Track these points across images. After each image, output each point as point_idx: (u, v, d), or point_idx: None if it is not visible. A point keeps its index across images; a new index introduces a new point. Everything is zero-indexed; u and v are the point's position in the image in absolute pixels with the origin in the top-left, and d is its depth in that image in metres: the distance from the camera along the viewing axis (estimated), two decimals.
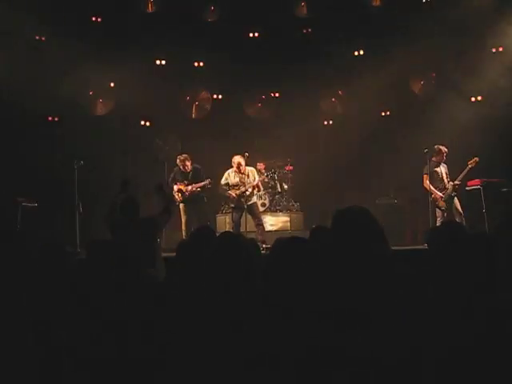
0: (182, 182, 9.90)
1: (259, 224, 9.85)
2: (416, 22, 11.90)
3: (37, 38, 11.30)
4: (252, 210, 9.87)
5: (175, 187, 9.90)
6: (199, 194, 9.93)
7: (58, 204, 11.51)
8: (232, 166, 9.86)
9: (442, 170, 9.77)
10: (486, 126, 11.34)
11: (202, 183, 9.80)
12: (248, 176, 9.80)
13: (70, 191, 10.57)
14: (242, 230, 9.71)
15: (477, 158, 9.46)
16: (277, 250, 2.12)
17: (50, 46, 11.33)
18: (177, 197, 9.88)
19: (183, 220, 10.03)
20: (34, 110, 11.18)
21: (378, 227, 2.93)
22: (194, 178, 9.88)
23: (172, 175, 10.11)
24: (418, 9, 12.07)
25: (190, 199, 9.92)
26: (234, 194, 9.77)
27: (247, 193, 9.74)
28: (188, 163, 9.85)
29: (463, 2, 11.39)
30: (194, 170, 9.91)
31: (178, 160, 9.92)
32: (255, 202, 10.09)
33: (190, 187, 9.83)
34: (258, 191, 10.29)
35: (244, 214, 9.85)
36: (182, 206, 9.99)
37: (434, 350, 1.92)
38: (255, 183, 9.83)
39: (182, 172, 9.90)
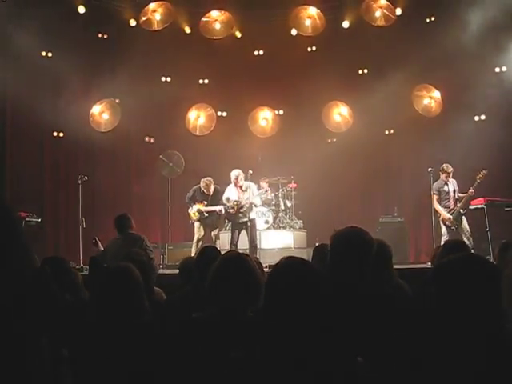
0: (201, 202, 9.96)
1: (252, 242, 9.80)
2: (420, 40, 12.00)
3: (43, 54, 11.36)
4: (248, 227, 9.86)
5: (194, 206, 9.96)
6: (215, 214, 9.99)
7: (61, 219, 11.55)
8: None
9: (450, 187, 9.76)
10: (490, 145, 11.36)
11: (214, 208, 9.87)
12: (245, 191, 9.81)
13: (73, 206, 10.61)
14: (244, 246, 9.69)
15: (485, 171, 9.44)
16: (281, 272, 2.11)
17: (56, 62, 11.41)
18: (193, 215, 9.99)
19: (196, 237, 10.06)
20: (39, 125, 11.26)
21: (371, 249, 2.95)
22: (214, 200, 9.97)
23: (191, 194, 10.14)
24: (421, 28, 12.16)
25: (206, 219, 10.00)
26: (232, 210, 9.79)
27: (244, 208, 9.75)
28: (211, 188, 9.93)
29: (466, 22, 11.46)
30: (214, 192, 10.02)
31: (202, 182, 9.97)
32: (253, 219, 9.99)
33: (207, 209, 9.92)
34: (255, 206, 10.20)
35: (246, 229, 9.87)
36: (197, 224, 10.07)
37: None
38: (250, 200, 9.80)
39: (203, 193, 9.96)
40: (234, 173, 9.80)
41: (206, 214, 9.95)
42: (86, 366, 2.87)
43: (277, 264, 2.16)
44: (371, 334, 2.42)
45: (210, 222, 10.06)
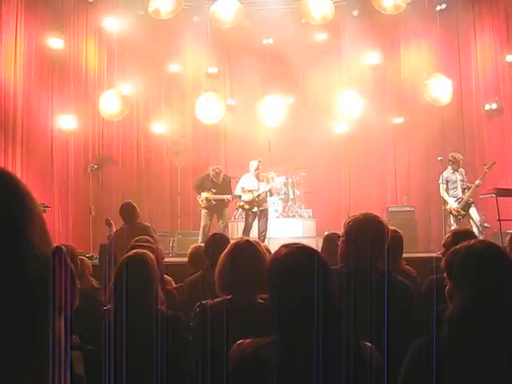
0: (209, 190, 9.99)
1: (262, 232, 9.86)
2: (431, 28, 11.92)
3: (52, 43, 11.32)
4: (261, 216, 9.91)
5: (203, 194, 9.99)
6: (224, 203, 10.03)
7: (70, 208, 11.59)
8: (249, 171, 9.97)
9: (458, 177, 9.70)
10: (501, 134, 11.29)
11: (222, 197, 9.90)
12: (262, 181, 9.90)
13: (83, 195, 10.65)
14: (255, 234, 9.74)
15: (494, 161, 9.38)
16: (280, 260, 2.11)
17: (65, 51, 11.41)
18: (201, 203, 10.03)
19: (202, 225, 10.10)
20: (49, 114, 11.27)
21: (386, 236, 2.95)
22: (222, 188, 9.99)
23: (200, 181, 10.17)
24: (432, 16, 12.05)
25: (214, 206, 10.02)
26: (246, 199, 9.86)
27: (260, 197, 9.82)
28: (221, 176, 9.96)
29: (476, 9, 11.37)
30: (223, 180, 10.04)
31: (211, 170, 10.01)
32: (266, 209, 10.11)
33: (215, 197, 9.95)
34: (271, 195, 10.31)
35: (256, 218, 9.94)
36: (204, 211, 10.10)
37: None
38: (267, 189, 9.90)
39: (213, 181, 9.98)
40: (254, 163, 9.90)
41: (213, 202, 9.99)
42: (98, 353, 2.89)
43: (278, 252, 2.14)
44: (381, 319, 2.42)
45: (218, 210, 10.09)
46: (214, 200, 9.97)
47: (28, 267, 0.70)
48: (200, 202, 10.11)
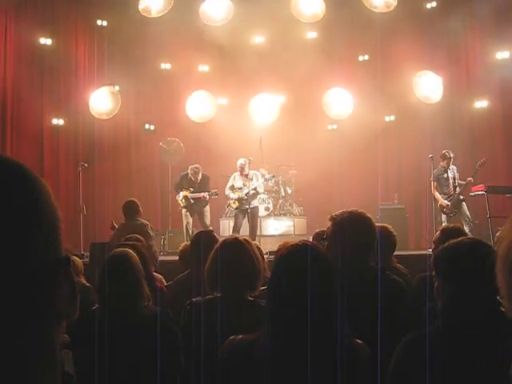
0: (187, 189, 9.99)
1: (253, 230, 9.87)
2: (421, 26, 11.95)
3: (42, 41, 11.29)
4: (251, 214, 9.92)
5: (181, 193, 10.00)
6: (203, 201, 10.03)
7: (61, 206, 11.54)
8: (237, 170, 9.97)
9: (450, 174, 9.73)
10: (491, 131, 11.33)
11: (199, 195, 9.90)
12: (251, 179, 9.89)
13: (74, 194, 10.62)
14: (247, 233, 9.73)
15: (485, 159, 9.42)
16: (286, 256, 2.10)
17: (55, 49, 11.36)
18: (180, 202, 10.04)
19: (184, 224, 10.13)
20: (39, 113, 11.23)
21: (374, 234, 2.94)
22: (201, 187, 9.98)
23: (178, 180, 10.18)
24: (422, 13, 12.09)
25: (193, 205, 10.02)
26: (235, 197, 9.88)
27: (249, 195, 9.82)
28: (199, 175, 9.95)
29: (466, 7, 11.40)
30: (202, 179, 10.01)
31: (190, 169, 9.99)
32: (257, 207, 10.10)
33: (193, 195, 9.95)
34: (258, 194, 10.28)
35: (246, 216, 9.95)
36: (183, 210, 10.11)
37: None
38: (254, 186, 9.88)
39: (191, 180, 9.97)
40: (240, 161, 9.89)
41: (192, 201, 10.00)
42: (87, 352, 2.88)
43: (292, 246, 2.13)
44: (373, 317, 2.42)
45: (198, 208, 10.10)
46: (192, 198, 9.99)
47: (27, 276, 0.68)
48: (179, 202, 10.13)
